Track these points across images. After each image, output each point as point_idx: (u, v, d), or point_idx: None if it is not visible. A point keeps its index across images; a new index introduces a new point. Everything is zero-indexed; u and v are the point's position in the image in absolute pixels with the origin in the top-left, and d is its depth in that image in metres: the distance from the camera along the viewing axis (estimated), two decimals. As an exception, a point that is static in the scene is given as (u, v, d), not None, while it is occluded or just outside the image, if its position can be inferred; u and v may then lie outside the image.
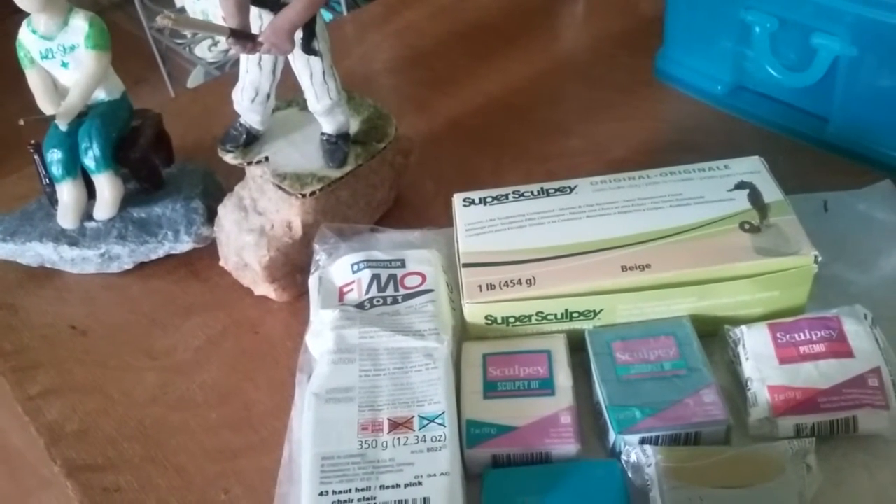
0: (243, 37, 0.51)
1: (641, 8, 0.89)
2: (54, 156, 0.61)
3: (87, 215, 0.64)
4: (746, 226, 0.51)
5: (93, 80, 0.61)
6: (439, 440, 0.45)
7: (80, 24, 0.60)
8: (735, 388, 0.49)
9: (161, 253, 0.63)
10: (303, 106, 0.61)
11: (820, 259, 0.49)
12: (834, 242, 0.54)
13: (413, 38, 0.90)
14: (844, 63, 0.62)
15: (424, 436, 0.46)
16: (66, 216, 0.63)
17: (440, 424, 0.46)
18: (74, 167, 0.62)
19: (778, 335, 0.49)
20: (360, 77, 0.84)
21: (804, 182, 0.60)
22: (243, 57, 0.55)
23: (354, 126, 0.61)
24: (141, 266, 0.64)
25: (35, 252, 0.63)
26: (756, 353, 0.49)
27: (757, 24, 0.66)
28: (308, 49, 0.54)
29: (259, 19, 0.53)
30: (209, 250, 0.64)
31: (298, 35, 0.53)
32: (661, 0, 0.78)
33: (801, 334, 0.49)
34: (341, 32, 0.94)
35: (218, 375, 0.57)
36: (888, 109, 0.62)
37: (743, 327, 0.50)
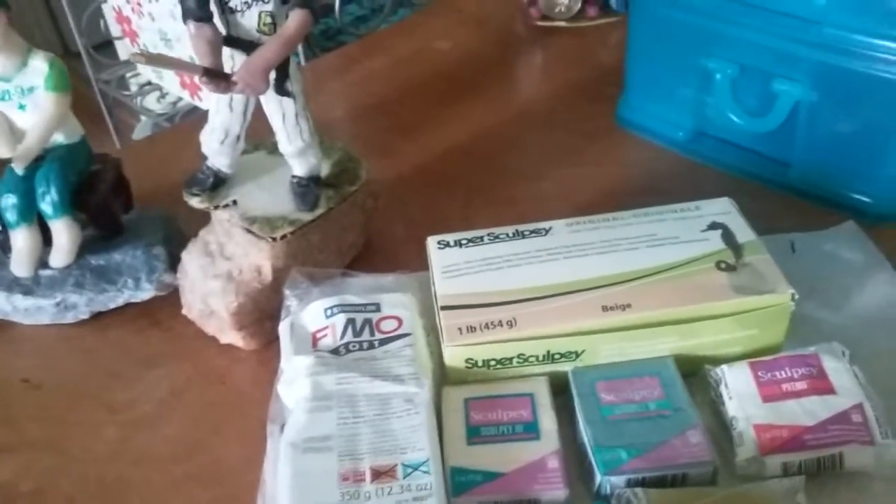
0: (216, 76, 0.50)
1: (599, 59, 0.91)
2: (9, 201, 0.59)
3: (42, 263, 0.61)
4: (723, 265, 0.51)
5: (51, 122, 0.59)
6: (425, 489, 0.44)
7: (39, 65, 0.58)
8: (719, 428, 0.49)
9: (120, 301, 0.61)
10: (271, 149, 0.60)
11: (797, 297, 0.50)
12: (803, 282, 0.54)
13: (374, 86, 0.90)
14: (805, 108, 0.64)
15: (409, 484, 0.44)
16: (21, 264, 0.60)
17: (425, 472, 0.44)
18: (30, 213, 0.59)
19: (759, 373, 0.49)
20: (322, 124, 0.81)
21: (769, 224, 0.61)
22: (214, 98, 0.54)
23: (325, 169, 0.60)
24: (98, 316, 0.62)
25: (-14, 302, 0.60)
26: (739, 392, 0.48)
27: (717, 70, 0.68)
28: (281, 90, 0.53)
29: (231, 60, 0.52)
30: (170, 299, 0.61)
31: (271, 76, 0.52)
32: (619, 51, 0.80)
33: (782, 372, 0.49)
34: (300, 81, 0.93)
35: (182, 429, 0.54)
36: (849, 153, 0.64)
37: (724, 366, 0.50)
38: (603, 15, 0.97)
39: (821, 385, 0.48)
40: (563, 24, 0.97)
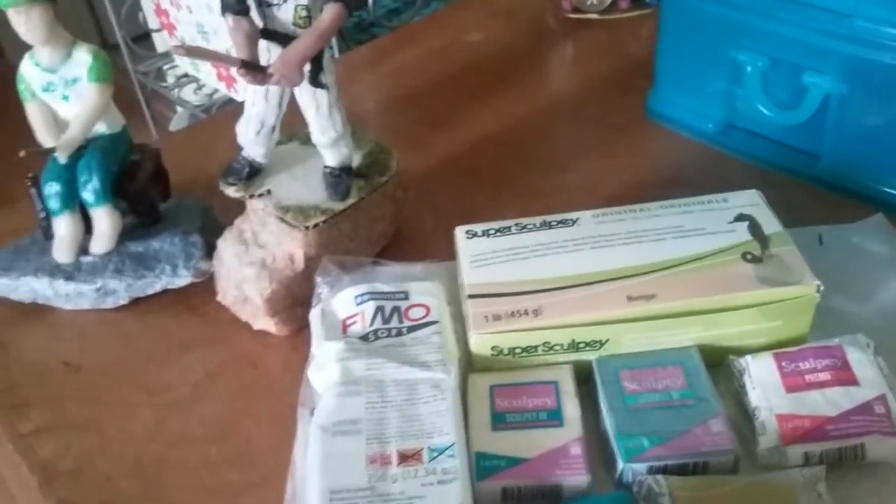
0: (254, 68, 0.52)
1: (630, 51, 0.91)
2: (52, 189, 0.61)
3: (83, 250, 0.63)
4: (748, 256, 0.52)
5: (94, 113, 0.61)
6: (450, 472, 0.45)
7: (83, 56, 0.60)
8: (742, 418, 0.49)
9: (158, 287, 0.63)
10: (304, 140, 0.61)
11: (822, 288, 0.50)
12: (830, 275, 0.54)
13: (406, 78, 0.91)
14: (835, 101, 0.64)
15: (435, 468, 0.45)
16: (63, 250, 0.62)
17: (450, 456, 0.45)
18: (73, 200, 0.61)
19: (783, 364, 0.49)
20: (354, 116, 0.83)
21: (797, 217, 0.61)
22: (250, 89, 0.55)
23: (357, 160, 0.61)
24: (136, 302, 0.63)
25: (29, 287, 0.62)
26: (762, 382, 0.49)
27: (748, 63, 0.68)
28: (315, 82, 0.54)
29: (267, 52, 0.53)
30: (206, 285, 0.63)
31: (306, 68, 0.53)
32: (650, 43, 0.80)
33: (806, 363, 0.49)
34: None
35: (217, 411, 0.56)
36: (879, 146, 0.64)
37: (748, 357, 0.50)
38: (634, 7, 0.97)
39: (844, 376, 0.48)
40: (594, 16, 0.97)
